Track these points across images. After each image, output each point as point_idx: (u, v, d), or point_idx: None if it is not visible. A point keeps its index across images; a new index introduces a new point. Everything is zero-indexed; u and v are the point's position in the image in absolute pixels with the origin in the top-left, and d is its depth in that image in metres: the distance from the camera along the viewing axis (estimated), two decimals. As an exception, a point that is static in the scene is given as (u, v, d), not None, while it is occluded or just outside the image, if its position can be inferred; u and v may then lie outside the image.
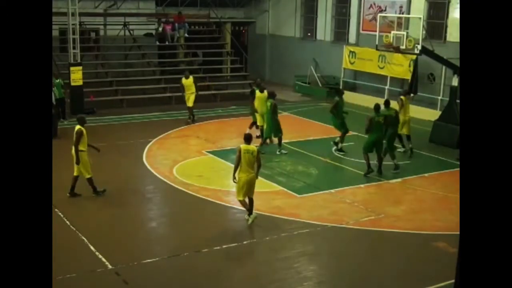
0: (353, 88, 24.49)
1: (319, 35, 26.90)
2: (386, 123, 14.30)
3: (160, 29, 25.62)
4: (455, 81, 17.59)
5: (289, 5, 28.13)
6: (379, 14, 20.58)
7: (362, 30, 24.54)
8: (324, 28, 26.54)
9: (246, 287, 8.98)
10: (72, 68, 20.26)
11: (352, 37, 25.27)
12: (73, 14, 20.14)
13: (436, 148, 17.04)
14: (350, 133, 16.60)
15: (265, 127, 16.24)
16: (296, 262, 9.67)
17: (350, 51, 24.50)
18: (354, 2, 24.86)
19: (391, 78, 22.53)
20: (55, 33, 21.90)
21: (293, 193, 12.93)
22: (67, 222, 10.92)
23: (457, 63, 16.83)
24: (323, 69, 26.34)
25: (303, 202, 12.48)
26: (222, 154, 15.64)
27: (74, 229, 10.61)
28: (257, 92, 16.79)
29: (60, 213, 11.23)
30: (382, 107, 14.90)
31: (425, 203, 12.68)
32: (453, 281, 6.25)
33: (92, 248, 9.81)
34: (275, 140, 16.14)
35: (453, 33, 20.39)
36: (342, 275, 9.44)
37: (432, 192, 13.37)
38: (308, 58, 26.54)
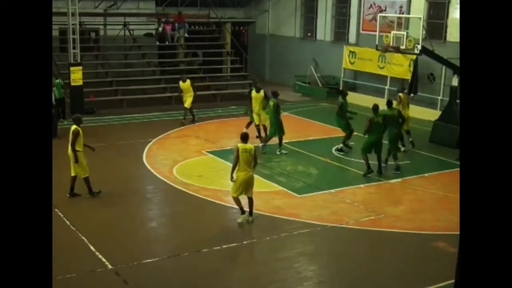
0: (353, 88, 24.48)
1: (319, 35, 26.90)
2: (385, 123, 14.30)
3: (160, 29, 25.61)
4: (455, 81, 17.59)
5: (289, 5, 28.13)
6: (379, 14, 20.58)
7: (362, 30, 24.55)
8: (324, 28, 26.54)
9: (246, 287, 8.98)
10: (72, 68, 20.28)
11: (352, 37, 25.27)
12: (73, 14, 20.15)
13: (436, 148, 17.04)
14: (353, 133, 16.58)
15: (268, 126, 16.30)
16: (296, 262, 9.68)
17: (350, 51, 24.49)
18: (354, 2, 24.86)
19: (391, 78, 22.53)
20: (55, 33, 21.90)
21: (293, 193, 12.93)
22: (67, 222, 10.92)
23: (457, 63, 16.83)
24: (323, 69, 26.35)
25: (303, 202, 12.48)
26: (222, 154, 15.64)
27: (74, 229, 10.61)
28: (253, 92, 16.82)
29: (60, 213, 11.23)
30: (385, 107, 14.92)
31: (425, 203, 12.68)
32: (453, 281, 6.25)
33: (92, 248, 9.81)
34: (276, 139, 16.14)
35: (453, 33, 20.39)
36: (342, 275, 9.44)
37: (432, 192, 13.36)
38: (308, 58, 26.54)
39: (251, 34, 30.84)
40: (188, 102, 19.10)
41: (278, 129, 15.90)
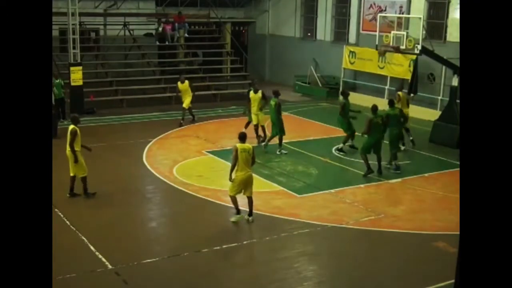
0: (353, 88, 24.45)
1: (319, 35, 26.90)
2: (388, 122, 14.27)
3: (160, 29, 25.61)
4: (455, 81, 17.59)
5: (289, 5, 28.12)
6: (379, 14, 20.56)
7: (362, 30, 24.54)
8: (324, 28, 26.54)
9: (246, 287, 8.98)
10: (72, 68, 20.28)
11: (352, 37, 25.27)
12: (73, 14, 20.15)
13: (436, 148, 17.04)
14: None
15: (266, 126, 16.29)
16: (296, 262, 9.68)
17: (350, 51, 24.49)
18: (354, 2, 24.85)
19: (391, 78, 22.52)
20: (55, 33, 21.91)
21: (293, 193, 12.93)
22: (67, 222, 10.92)
23: (457, 63, 16.84)
24: (323, 69, 26.34)
25: (303, 202, 12.48)
26: (222, 154, 15.63)
27: (74, 229, 10.61)
28: (251, 93, 16.83)
29: (60, 213, 11.23)
30: (384, 107, 14.92)
31: (425, 203, 12.68)
32: (453, 281, 6.25)
33: (92, 248, 9.81)
34: (276, 139, 16.15)
35: (453, 33, 20.39)
36: (342, 275, 9.44)
37: (432, 192, 13.36)
38: (308, 58, 26.54)
39: (251, 34, 30.84)
40: (186, 102, 19.08)
41: (279, 129, 15.91)
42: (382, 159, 14.41)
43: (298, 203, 12.39)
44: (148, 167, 14.67)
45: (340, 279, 9.34)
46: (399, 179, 14.14)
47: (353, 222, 11.33)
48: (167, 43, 25.89)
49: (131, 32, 26.04)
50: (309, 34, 27.75)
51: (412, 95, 18.45)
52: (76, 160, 11.88)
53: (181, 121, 19.15)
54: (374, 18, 22.23)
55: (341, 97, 17.14)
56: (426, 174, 14.68)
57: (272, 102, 16.00)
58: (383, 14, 21.00)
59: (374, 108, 14.17)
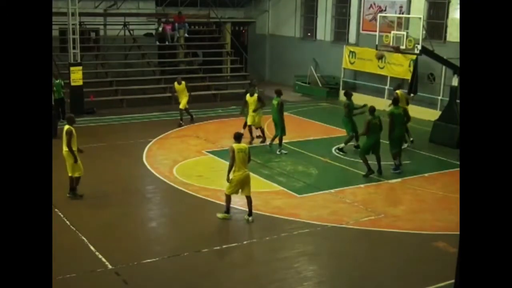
0: (353, 88, 24.43)
1: (319, 35, 26.90)
2: (393, 120, 14.27)
3: (160, 29, 25.61)
4: (455, 81, 17.59)
5: (289, 5, 28.12)
6: (379, 14, 20.56)
7: (362, 30, 24.54)
8: (324, 28, 26.54)
9: (246, 287, 8.98)
10: (72, 68, 20.28)
11: (352, 37, 25.27)
12: (73, 14, 20.15)
13: (436, 148, 17.04)
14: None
15: (263, 127, 16.31)
16: (296, 262, 9.68)
17: (350, 51, 24.49)
18: (354, 2, 24.85)
19: (391, 78, 22.52)
20: (55, 33, 21.90)
21: (293, 193, 12.93)
22: (67, 222, 10.92)
23: (457, 63, 16.84)
24: (323, 69, 26.34)
25: (303, 202, 12.48)
26: (222, 154, 15.62)
27: (74, 229, 10.61)
28: (247, 96, 16.82)
29: (60, 213, 11.23)
30: (388, 107, 14.94)
31: (425, 203, 12.67)
32: (453, 281, 6.25)
33: (92, 248, 9.81)
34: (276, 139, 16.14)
35: (453, 33, 20.39)
36: (342, 275, 9.44)
37: (432, 192, 13.36)
38: (308, 58, 26.54)
39: (251, 34, 30.83)
40: (183, 103, 19.03)
41: (281, 128, 15.90)
42: (392, 159, 14.43)
43: (298, 203, 12.39)
44: (148, 167, 14.67)
45: (340, 279, 9.34)
46: (399, 179, 14.14)
47: (353, 222, 11.33)
48: (167, 43, 25.89)
49: (131, 32, 26.04)
50: (309, 34, 27.75)
51: (412, 95, 18.46)
52: (76, 160, 11.87)
53: (180, 122, 19.15)
54: (374, 18, 22.23)
55: (344, 98, 17.10)
56: (426, 174, 14.68)
57: (275, 102, 16.00)
58: (383, 14, 20.99)
59: (372, 109, 14.17)
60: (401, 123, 14.72)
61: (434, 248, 10.22)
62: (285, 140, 16.30)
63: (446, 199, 12.78)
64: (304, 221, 11.32)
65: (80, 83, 20.47)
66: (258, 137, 17.26)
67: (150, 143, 16.89)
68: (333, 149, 16.48)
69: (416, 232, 11.02)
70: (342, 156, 15.95)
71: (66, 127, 11.87)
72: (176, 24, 25.83)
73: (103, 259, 9.38)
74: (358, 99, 22.43)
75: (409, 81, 19.50)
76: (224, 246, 10.18)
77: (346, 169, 15.01)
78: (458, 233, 4.81)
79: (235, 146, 10.86)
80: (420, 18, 18.89)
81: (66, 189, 12.10)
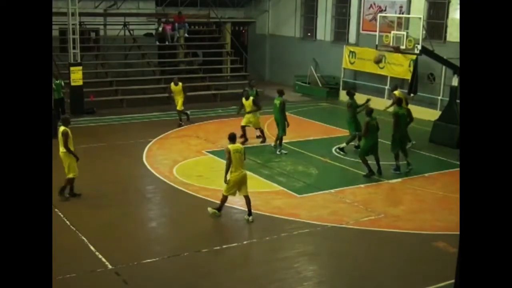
0: (353, 88, 24.41)
1: (319, 35, 26.90)
2: (394, 122, 14.28)
3: (160, 29, 25.60)
4: (455, 81, 17.59)
5: (289, 5, 28.12)
6: (379, 14, 20.57)
7: (362, 30, 24.53)
8: (324, 28, 26.54)
9: (246, 287, 8.97)
10: (72, 68, 20.28)
11: (352, 37, 25.26)
12: (73, 14, 20.15)
13: (436, 148, 17.04)
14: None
15: (261, 127, 16.32)
16: (296, 262, 9.68)
17: (350, 51, 24.49)
18: (354, 2, 24.85)
19: (391, 78, 22.52)
20: (55, 33, 21.90)
21: (293, 193, 12.93)
22: (67, 222, 10.92)
23: (457, 63, 16.84)
24: (323, 69, 26.34)
25: (303, 202, 12.48)
26: (222, 154, 15.50)
27: (74, 229, 10.61)
28: (243, 99, 16.81)
29: (60, 213, 11.23)
30: (393, 107, 14.96)
31: (425, 203, 12.67)
32: (453, 281, 6.25)
33: (92, 248, 9.81)
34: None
35: (453, 33, 20.39)
36: (342, 275, 9.44)
37: (432, 192, 13.36)
38: (308, 58, 26.54)
39: (251, 34, 30.83)
40: (179, 104, 18.97)
41: (282, 128, 15.90)
42: (400, 159, 14.45)
43: (298, 203, 12.39)
44: (148, 167, 14.67)
45: (340, 279, 9.34)
46: (399, 179, 14.15)
47: (353, 222, 11.33)
48: (167, 43, 25.89)
49: (131, 32, 26.04)
50: (309, 34, 27.75)
51: (412, 95, 18.45)
52: (77, 159, 11.87)
53: (180, 122, 19.14)
54: (374, 18, 22.23)
55: (346, 98, 17.07)
56: (426, 174, 14.68)
57: (277, 101, 15.99)
58: (383, 14, 21.00)
59: (370, 111, 14.17)
60: (404, 124, 14.73)
61: (434, 248, 10.22)
62: (285, 140, 16.30)
63: (446, 199, 12.78)
64: (304, 221, 11.32)
65: (80, 83, 20.47)
66: (258, 137, 17.27)
67: (150, 143, 16.89)
68: (333, 149, 16.48)
69: (416, 232, 11.02)
70: (342, 156, 15.95)
71: (62, 128, 11.84)
72: (176, 24, 25.83)
73: (103, 259, 9.38)
74: (358, 99, 22.47)
75: (409, 81, 19.50)
76: (224, 246, 10.18)
77: (346, 169, 15.01)
78: (458, 233, 4.81)
79: (231, 147, 10.88)
80: (420, 18, 18.89)
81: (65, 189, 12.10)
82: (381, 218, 11.58)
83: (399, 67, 22.12)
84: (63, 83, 19.25)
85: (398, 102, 15.01)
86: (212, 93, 24.30)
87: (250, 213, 11.17)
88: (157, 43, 26.00)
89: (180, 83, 19.08)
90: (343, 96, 23.11)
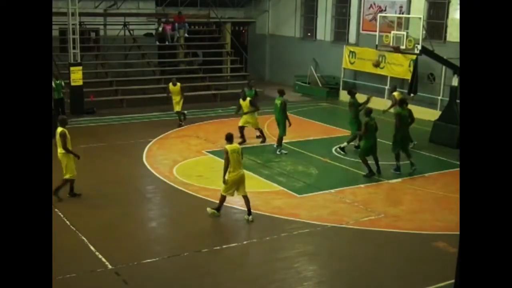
0: (353, 88, 24.45)
1: (319, 35, 26.90)
2: (400, 121, 14.26)
3: (160, 29, 25.61)
4: (455, 81, 17.59)
5: (289, 5, 28.13)
6: (379, 14, 20.57)
7: (362, 30, 24.55)
8: (324, 28, 26.54)
9: (246, 287, 8.97)
10: (72, 68, 20.29)
11: (352, 37, 25.27)
12: (73, 14, 20.16)
13: (436, 148, 17.04)
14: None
15: (259, 127, 16.30)
16: (296, 262, 9.68)
17: (350, 51, 24.49)
18: (354, 2, 24.85)
19: (391, 78, 22.53)
20: (55, 33, 21.91)
21: (293, 193, 12.93)
22: (67, 222, 10.92)
23: (457, 63, 16.84)
24: (323, 69, 26.35)
25: (303, 202, 12.48)
26: (222, 154, 15.52)
27: (74, 229, 10.61)
28: (240, 100, 16.81)
29: (60, 213, 11.23)
30: (393, 108, 14.95)
31: (425, 203, 12.67)
32: (453, 281, 6.25)
33: (92, 248, 9.81)
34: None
35: (453, 33, 20.40)
36: (342, 275, 9.44)
37: (432, 192, 13.36)
38: (308, 58, 26.54)
39: (251, 34, 30.84)
40: (179, 105, 18.87)
41: (282, 128, 15.89)
42: (400, 160, 14.45)
43: (298, 203, 12.39)
44: (148, 167, 14.67)
45: (340, 279, 9.34)
46: (399, 179, 14.15)
47: (353, 222, 11.33)
48: (167, 43, 25.89)
49: (131, 32, 26.04)
50: (309, 34, 27.76)
51: (412, 95, 18.45)
52: (78, 157, 11.87)
53: (180, 122, 19.14)
54: (374, 18, 22.23)
55: (348, 97, 17.05)
56: (426, 174, 14.67)
57: (278, 101, 15.98)
58: (383, 14, 21.00)
59: (369, 111, 14.17)
60: (406, 124, 14.73)
61: (434, 248, 10.22)
62: (285, 140, 16.31)
63: (446, 199, 12.78)
64: (304, 221, 11.32)
65: (80, 83, 20.48)
66: (258, 137, 17.27)
67: (150, 143, 16.89)
68: (333, 149, 16.48)
69: (416, 232, 11.02)
70: (342, 156, 15.95)
71: (60, 129, 11.80)
72: (176, 24, 25.84)
73: (103, 259, 9.38)
74: (358, 99, 22.44)
75: (409, 81, 19.49)
76: (224, 246, 10.18)
77: (346, 169, 15.01)
78: (458, 233, 4.81)
79: (228, 147, 10.89)
80: (420, 18, 18.90)
81: (65, 189, 12.10)
82: (381, 218, 11.58)
83: (399, 67, 22.12)
84: (63, 83, 19.24)
85: (401, 102, 15.00)
86: (212, 93, 24.30)
87: (249, 213, 11.18)
88: (157, 43, 26.01)
89: (178, 84, 19.05)
90: (343, 96, 23.14)
